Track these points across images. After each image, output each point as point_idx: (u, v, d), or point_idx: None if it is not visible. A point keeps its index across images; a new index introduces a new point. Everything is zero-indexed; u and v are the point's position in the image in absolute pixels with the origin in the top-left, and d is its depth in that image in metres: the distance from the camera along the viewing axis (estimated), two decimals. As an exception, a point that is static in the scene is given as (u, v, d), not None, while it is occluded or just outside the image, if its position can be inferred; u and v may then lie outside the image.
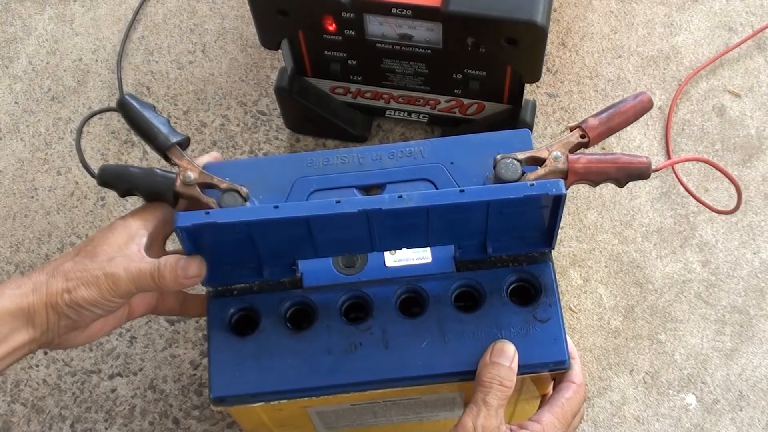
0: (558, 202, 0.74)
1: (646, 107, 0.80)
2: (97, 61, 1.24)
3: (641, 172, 0.77)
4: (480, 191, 0.73)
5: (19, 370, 1.06)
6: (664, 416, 1.01)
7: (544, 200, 0.74)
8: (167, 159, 0.79)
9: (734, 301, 1.06)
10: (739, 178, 1.12)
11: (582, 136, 0.79)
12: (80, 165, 1.17)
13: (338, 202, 0.72)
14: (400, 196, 0.72)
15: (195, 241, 0.75)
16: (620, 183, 0.78)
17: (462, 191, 0.72)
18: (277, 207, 0.72)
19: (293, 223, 0.73)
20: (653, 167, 0.77)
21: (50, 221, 1.14)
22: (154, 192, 0.78)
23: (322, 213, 0.72)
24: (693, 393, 1.02)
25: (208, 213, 0.72)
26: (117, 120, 1.20)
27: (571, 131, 0.79)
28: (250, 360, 0.77)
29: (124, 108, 0.80)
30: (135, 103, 0.80)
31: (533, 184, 0.72)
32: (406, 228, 0.75)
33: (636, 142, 1.15)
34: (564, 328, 0.77)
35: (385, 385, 0.77)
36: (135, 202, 1.14)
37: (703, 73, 1.20)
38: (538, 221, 0.77)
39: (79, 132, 1.17)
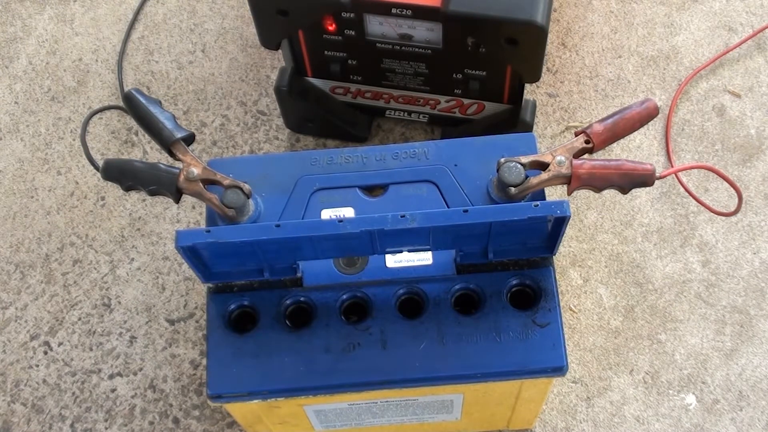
0: (562, 221, 0.73)
1: (651, 114, 0.79)
2: (97, 61, 1.24)
3: (645, 180, 0.76)
4: (484, 212, 0.72)
5: (19, 370, 1.06)
6: (664, 416, 1.01)
7: (549, 217, 0.73)
8: (171, 154, 0.79)
9: (734, 301, 1.06)
10: (739, 178, 1.12)
11: (587, 142, 0.78)
12: (81, 164, 1.17)
13: (341, 221, 0.71)
14: (403, 216, 0.71)
15: (195, 250, 0.75)
16: (623, 190, 0.77)
17: (466, 212, 0.71)
18: (278, 226, 0.71)
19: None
20: (657, 174, 0.76)
21: (50, 221, 1.14)
22: (157, 187, 0.78)
23: (324, 233, 0.72)
24: (693, 393, 1.02)
25: (209, 231, 0.72)
26: (117, 120, 1.20)
27: (576, 136, 0.78)
28: (249, 357, 0.77)
29: (130, 102, 0.80)
30: (141, 98, 0.80)
31: (537, 205, 0.71)
32: (408, 236, 0.75)
33: (636, 141, 1.15)
34: (563, 334, 0.77)
35: (382, 386, 0.77)
36: (136, 200, 1.14)
37: (703, 73, 1.20)
38: (541, 231, 0.77)
39: (84, 126, 1.17)
